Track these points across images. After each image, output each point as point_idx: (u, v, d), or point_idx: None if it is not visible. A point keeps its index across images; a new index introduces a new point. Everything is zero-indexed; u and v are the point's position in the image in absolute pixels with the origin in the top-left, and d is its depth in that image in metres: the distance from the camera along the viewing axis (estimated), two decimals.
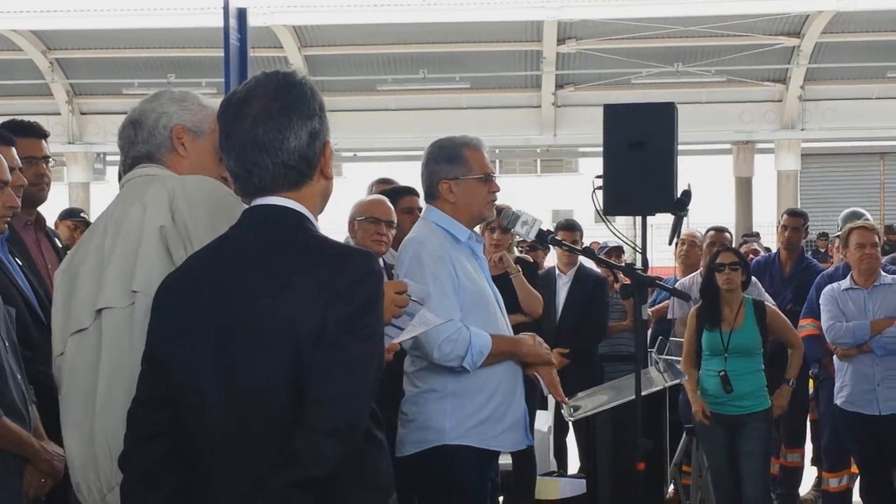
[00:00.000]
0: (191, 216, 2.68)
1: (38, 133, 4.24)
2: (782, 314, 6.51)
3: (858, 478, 6.92)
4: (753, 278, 6.78)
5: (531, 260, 7.17)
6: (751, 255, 8.47)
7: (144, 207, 2.71)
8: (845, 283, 6.59)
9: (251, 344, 2.29)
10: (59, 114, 24.07)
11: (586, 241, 10.33)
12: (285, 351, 2.26)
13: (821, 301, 6.62)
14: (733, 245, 8.14)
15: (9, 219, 3.61)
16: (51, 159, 4.30)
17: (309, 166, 2.41)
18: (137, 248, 2.70)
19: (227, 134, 2.41)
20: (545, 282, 7.40)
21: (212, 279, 2.37)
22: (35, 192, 4.12)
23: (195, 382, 2.34)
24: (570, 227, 7.71)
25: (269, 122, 2.36)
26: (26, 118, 4.38)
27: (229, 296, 2.33)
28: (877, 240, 6.59)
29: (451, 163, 4.06)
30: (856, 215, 7.94)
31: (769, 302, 6.70)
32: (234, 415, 2.31)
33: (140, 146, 2.89)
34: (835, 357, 6.60)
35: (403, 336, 2.97)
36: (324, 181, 2.47)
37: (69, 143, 24.05)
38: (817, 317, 6.89)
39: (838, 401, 6.51)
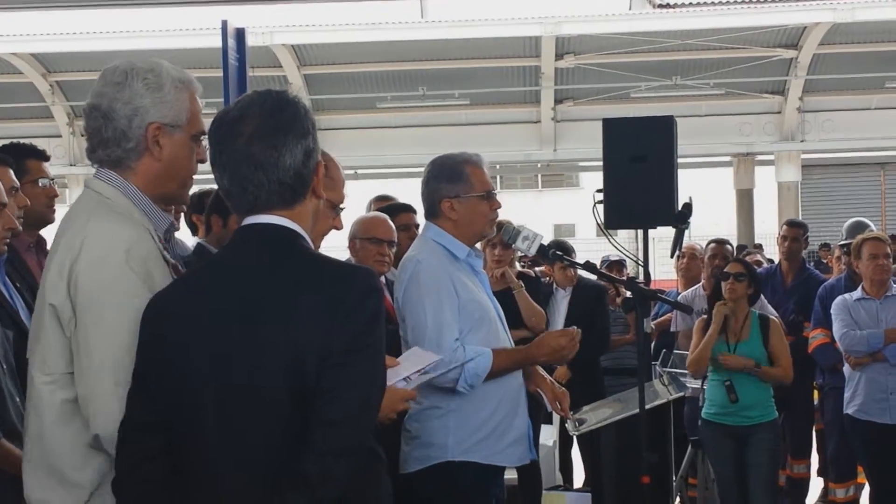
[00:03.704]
0: (89, 295, 2.51)
1: (43, 155, 4.29)
2: (784, 335, 6.46)
3: (866, 488, 6.90)
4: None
5: (533, 275, 7.17)
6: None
7: (50, 268, 2.59)
8: (857, 293, 6.60)
9: (253, 364, 2.27)
10: (60, 136, 24.10)
11: (589, 256, 10.32)
12: (289, 371, 2.24)
13: (832, 310, 6.63)
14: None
15: (8, 240, 3.61)
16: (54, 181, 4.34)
17: (303, 184, 2.41)
18: (38, 317, 2.62)
19: (221, 151, 2.39)
20: (543, 297, 7.39)
21: (208, 298, 2.34)
22: (48, 214, 4.17)
23: (193, 404, 2.31)
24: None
25: (265, 139, 2.35)
26: (28, 141, 4.41)
27: (228, 316, 2.30)
28: (889, 251, 6.59)
29: (453, 181, 4.06)
30: (861, 225, 7.95)
31: (773, 315, 6.70)
32: (235, 437, 2.28)
33: (110, 148, 2.64)
34: (846, 366, 6.59)
35: (402, 376, 3.02)
36: (314, 200, 2.47)
37: (70, 164, 24.06)
38: (826, 326, 6.89)
39: (850, 410, 6.50)
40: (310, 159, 2.41)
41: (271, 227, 2.38)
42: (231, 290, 2.33)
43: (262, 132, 2.36)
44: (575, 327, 4.11)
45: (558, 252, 4.57)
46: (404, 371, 3.08)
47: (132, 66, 2.65)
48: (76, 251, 2.53)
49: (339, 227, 3.20)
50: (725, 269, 6.42)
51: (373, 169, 24.86)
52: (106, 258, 2.52)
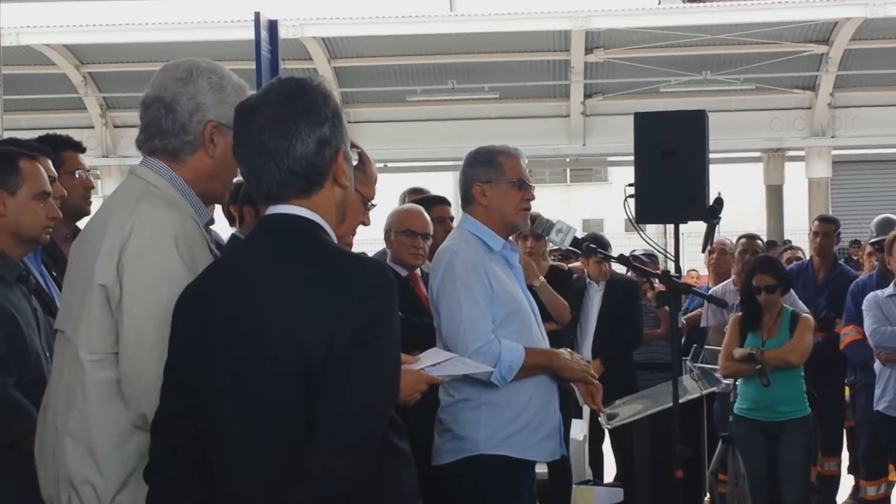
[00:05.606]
0: (131, 276, 2.57)
1: (80, 147, 4.33)
2: (809, 328, 6.40)
3: None
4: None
5: (565, 267, 7.17)
6: (794, 261, 8.49)
7: (99, 250, 2.62)
8: (889, 289, 6.59)
9: (263, 357, 2.27)
10: (92, 127, 24.20)
11: (618, 251, 10.35)
12: (297, 364, 2.23)
13: (864, 307, 6.62)
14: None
15: (50, 230, 3.65)
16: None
17: (317, 174, 2.37)
18: (84, 297, 2.65)
19: (238, 140, 2.40)
20: (577, 292, 7.39)
21: (224, 291, 2.35)
22: (84, 205, 4.21)
23: (211, 395, 2.32)
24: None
25: (276, 128, 2.33)
26: (60, 132, 4.45)
27: (241, 308, 2.31)
28: None
29: (486, 167, 4.10)
30: (889, 222, 7.91)
31: (804, 311, 6.68)
32: (249, 429, 2.29)
33: (168, 138, 2.73)
34: (876, 363, 6.57)
35: (434, 370, 3.02)
36: (338, 189, 2.43)
37: (103, 156, 24.18)
38: (858, 323, 6.86)
39: (880, 406, 6.49)
40: (324, 148, 2.36)
41: (287, 217, 2.36)
42: (244, 282, 2.33)
43: (274, 121, 2.34)
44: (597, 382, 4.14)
45: (592, 245, 4.57)
46: (422, 365, 3.09)
47: (196, 65, 2.76)
48: (126, 235, 2.60)
49: (366, 222, 3.21)
50: (755, 284, 6.33)
51: (402, 162, 24.86)
52: (154, 243, 2.59)
